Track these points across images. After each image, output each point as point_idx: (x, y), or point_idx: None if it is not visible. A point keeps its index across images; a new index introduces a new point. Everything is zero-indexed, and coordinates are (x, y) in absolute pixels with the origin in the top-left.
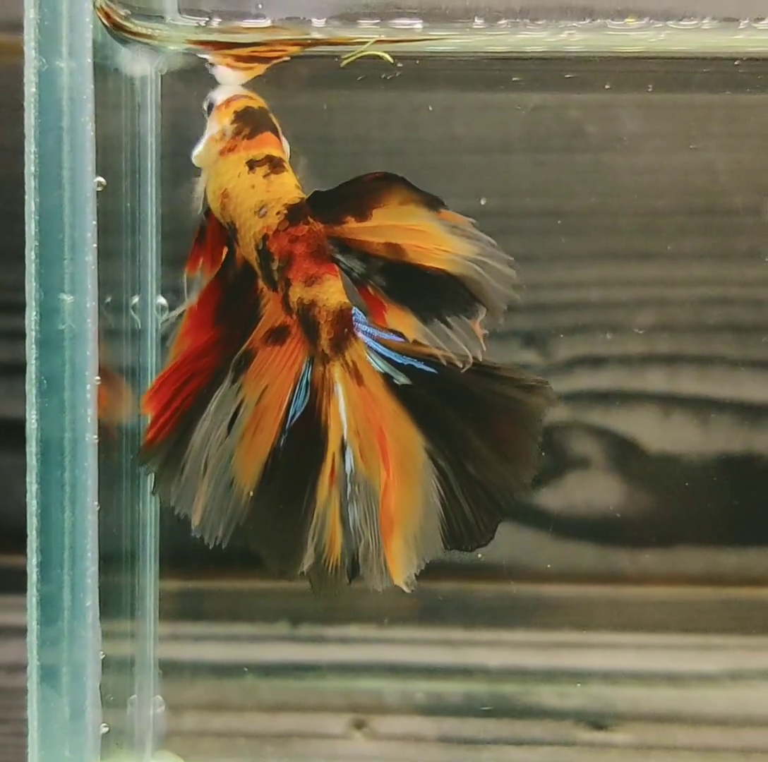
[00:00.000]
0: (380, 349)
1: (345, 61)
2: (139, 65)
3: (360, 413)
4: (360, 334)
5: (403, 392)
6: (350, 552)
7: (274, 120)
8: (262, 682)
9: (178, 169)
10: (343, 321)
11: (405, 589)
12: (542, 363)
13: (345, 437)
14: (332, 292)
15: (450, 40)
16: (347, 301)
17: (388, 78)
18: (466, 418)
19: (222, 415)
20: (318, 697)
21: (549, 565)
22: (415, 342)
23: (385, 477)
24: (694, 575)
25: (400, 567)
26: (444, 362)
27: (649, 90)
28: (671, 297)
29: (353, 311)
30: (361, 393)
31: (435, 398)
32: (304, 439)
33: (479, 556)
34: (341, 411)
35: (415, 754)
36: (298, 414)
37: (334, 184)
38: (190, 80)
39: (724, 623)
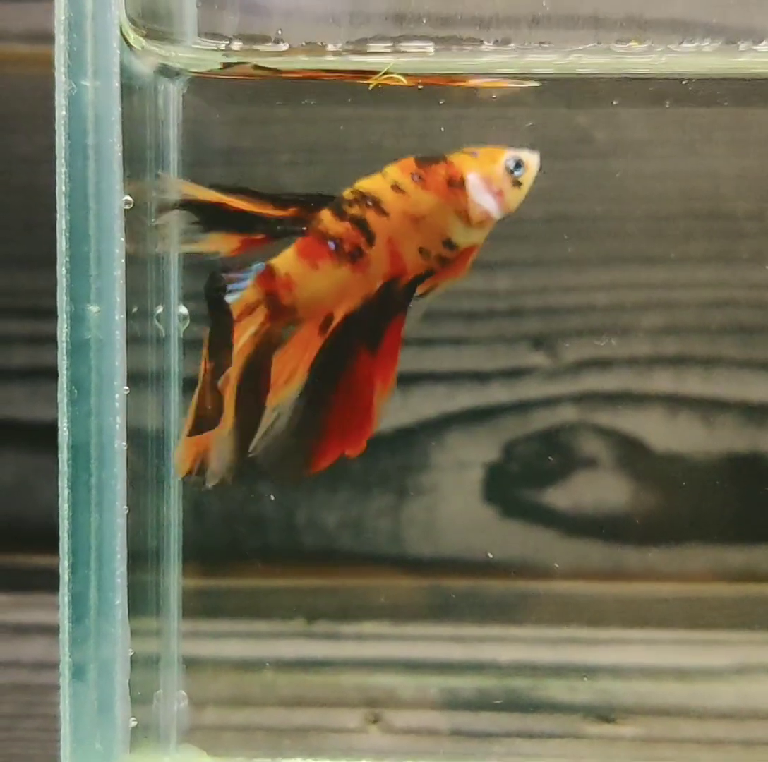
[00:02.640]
0: None
1: (372, 85)
2: (161, 84)
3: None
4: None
5: None
6: None
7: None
8: (280, 678)
9: (198, 179)
10: None
11: None
12: (551, 365)
13: None
14: None
15: (459, 64)
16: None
17: (401, 95)
18: None
19: None
20: (334, 692)
21: (558, 563)
22: None
23: None
24: (701, 572)
25: None
26: None
27: (654, 104)
28: (677, 300)
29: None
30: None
31: None
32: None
33: (489, 555)
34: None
35: (429, 747)
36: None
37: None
38: (210, 96)
39: (730, 619)
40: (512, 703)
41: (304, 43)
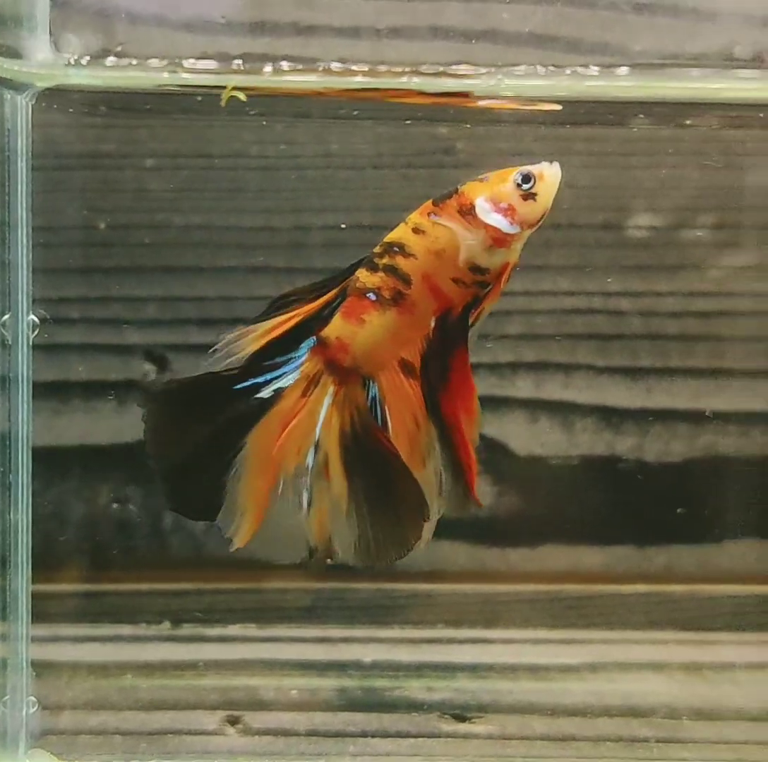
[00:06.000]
0: None
1: (224, 102)
2: (7, 95)
3: None
4: None
5: None
6: None
7: None
8: (140, 682)
9: (47, 187)
10: None
11: None
12: None
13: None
14: None
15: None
16: None
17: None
18: None
19: None
20: (195, 695)
21: (423, 565)
22: None
23: None
24: (560, 573)
25: None
26: None
27: (519, 121)
28: (537, 307)
29: None
30: None
31: None
32: None
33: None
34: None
35: (285, 747)
36: None
37: (212, 198)
38: (66, 104)
39: (587, 619)
40: (371, 703)
41: (158, 58)
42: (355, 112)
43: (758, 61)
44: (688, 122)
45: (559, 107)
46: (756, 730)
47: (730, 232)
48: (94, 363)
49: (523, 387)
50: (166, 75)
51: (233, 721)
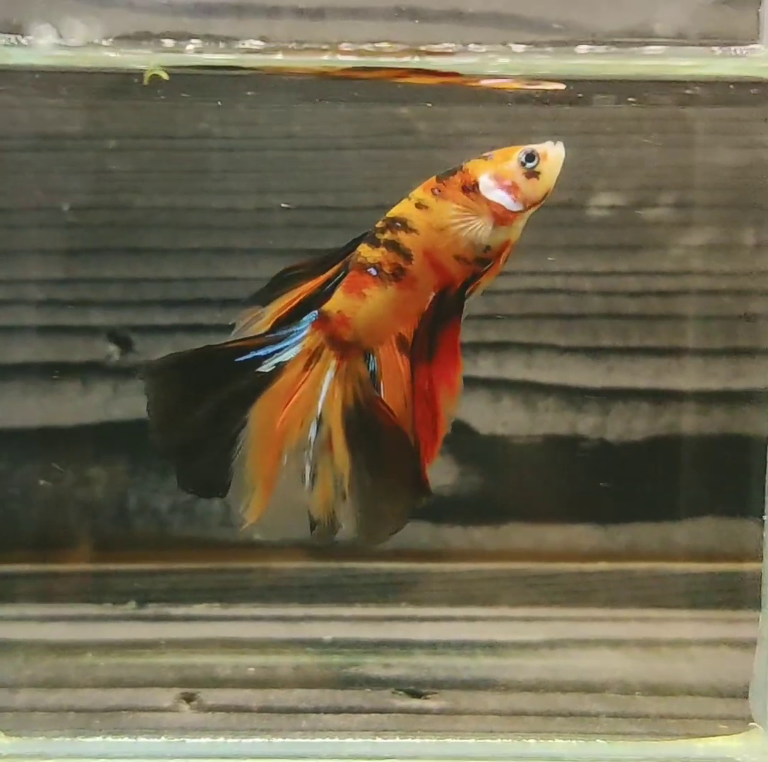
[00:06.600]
0: None
1: (146, 81)
2: None
3: None
4: None
5: None
6: None
7: None
8: (100, 660)
9: (7, 168)
10: None
11: None
12: None
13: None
14: None
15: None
16: None
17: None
18: None
19: None
20: (153, 672)
21: (386, 543)
22: None
23: None
24: (523, 551)
25: None
26: None
27: (476, 101)
28: (498, 287)
29: None
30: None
31: None
32: None
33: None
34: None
35: (237, 723)
36: None
37: (176, 178)
38: (18, 87)
39: (549, 596)
40: (327, 679)
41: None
42: (317, 94)
43: (707, 38)
44: (640, 100)
45: (562, 86)
46: (705, 705)
47: (690, 211)
48: (58, 344)
49: (485, 367)
50: (112, 55)
51: (188, 698)
